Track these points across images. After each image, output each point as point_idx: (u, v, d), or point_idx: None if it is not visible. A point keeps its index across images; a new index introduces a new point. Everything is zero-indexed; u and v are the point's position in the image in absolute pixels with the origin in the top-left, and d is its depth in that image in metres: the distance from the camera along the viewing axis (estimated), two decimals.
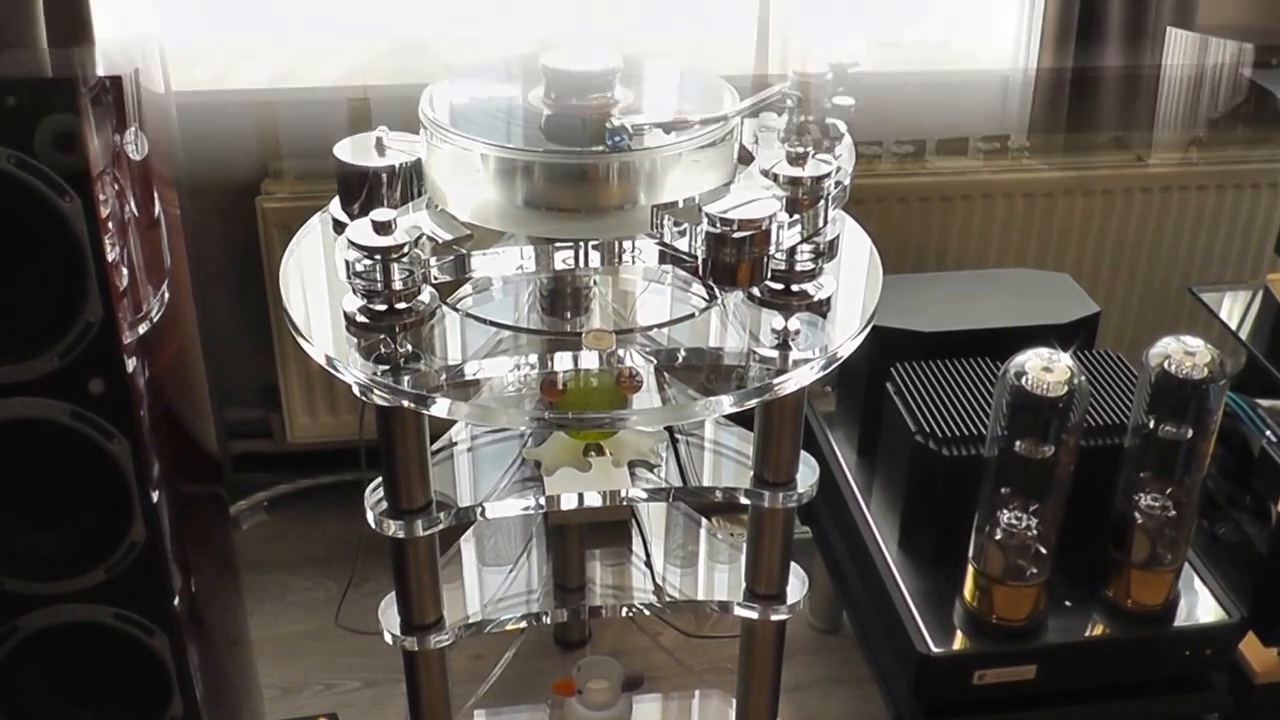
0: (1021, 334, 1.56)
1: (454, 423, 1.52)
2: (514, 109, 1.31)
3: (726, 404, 1.23)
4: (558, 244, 1.23)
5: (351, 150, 1.34)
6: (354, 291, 1.22)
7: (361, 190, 1.33)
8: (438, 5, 2.21)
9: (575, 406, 1.28)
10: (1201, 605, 1.56)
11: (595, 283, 1.39)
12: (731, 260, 1.18)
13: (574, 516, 1.53)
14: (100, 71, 1.29)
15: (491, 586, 1.58)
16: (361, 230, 1.19)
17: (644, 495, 1.45)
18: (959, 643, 1.48)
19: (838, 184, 1.27)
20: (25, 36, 1.99)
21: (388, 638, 1.43)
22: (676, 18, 2.45)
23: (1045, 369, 1.39)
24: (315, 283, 1.36)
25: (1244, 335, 1.87)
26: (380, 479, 1.36)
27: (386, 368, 1.22)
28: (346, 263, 1.20)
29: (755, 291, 1.31)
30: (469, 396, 1.23)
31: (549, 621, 1.60)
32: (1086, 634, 1.51)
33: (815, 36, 2.56)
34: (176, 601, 1.28)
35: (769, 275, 1.24)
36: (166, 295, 1.35)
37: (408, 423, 1.29)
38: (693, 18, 2.48)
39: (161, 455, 1.26)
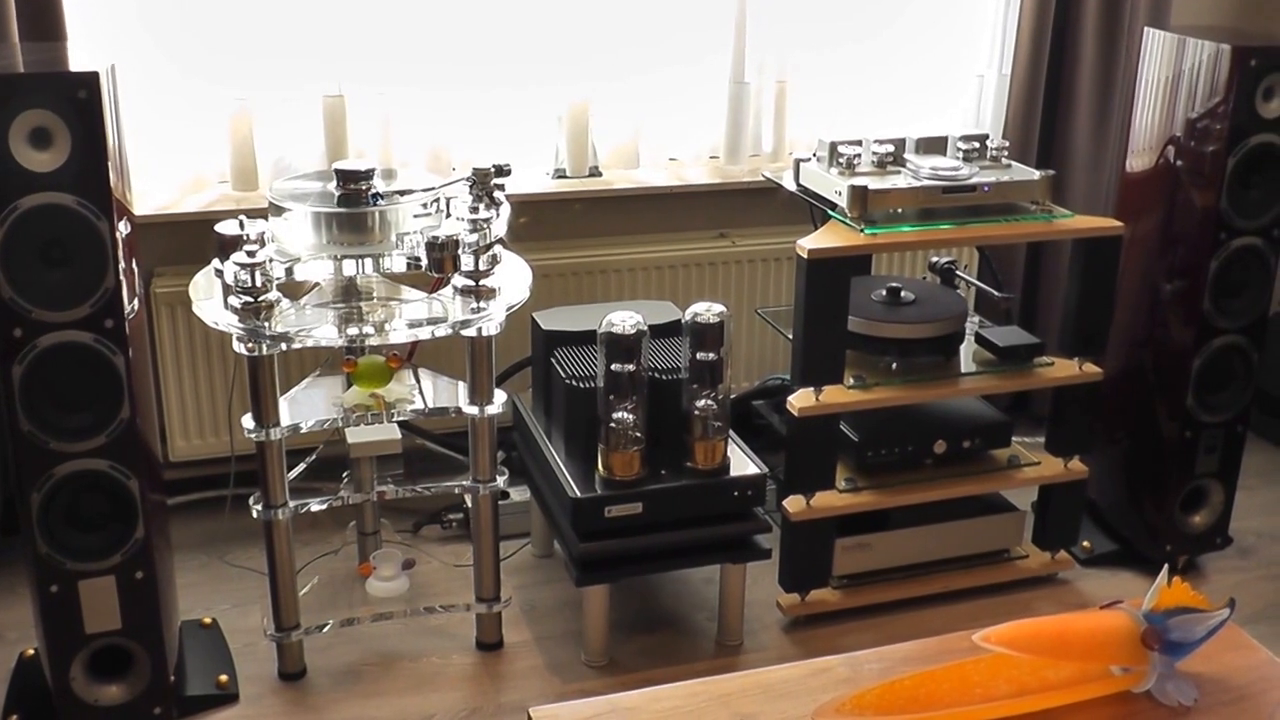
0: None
1: (295, 383, 2.56)
2: (320, 191, 2.39)
3: (443, 331, 2.31)
4: (345, 258, 2.31)
5: (224, 227, 2.38)
6: (235, 292, 2.27)
7: (233, 247, 2.36)
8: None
9: (360, 375, 2.37)
10: (743, 465, 2.62)
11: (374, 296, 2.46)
12: (439, 257, 2.27)
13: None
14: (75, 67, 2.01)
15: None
16: (240, 256, 2.24)
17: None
18: (595, 490, 2.51)
19: (492, 219, 2.39)
20: None
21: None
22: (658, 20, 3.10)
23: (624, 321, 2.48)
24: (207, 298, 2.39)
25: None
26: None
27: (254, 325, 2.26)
28: (232, 275, 2.25)
29: (456, 284, 2.40)
30: (296, 340, 2.28)
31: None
32: (672, 483, 2.55)
33: (790, 43, 3.19)
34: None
35: (463, 270, 2.34)
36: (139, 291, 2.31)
37: (264, 366, 2.32)
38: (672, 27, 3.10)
39: (139, 371, 2.20)
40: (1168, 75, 2.75)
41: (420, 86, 2.97)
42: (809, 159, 2.72)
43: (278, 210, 2.36)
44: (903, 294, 2.81)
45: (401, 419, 2.51)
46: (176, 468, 3.04)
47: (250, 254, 2.24)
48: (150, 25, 2.80)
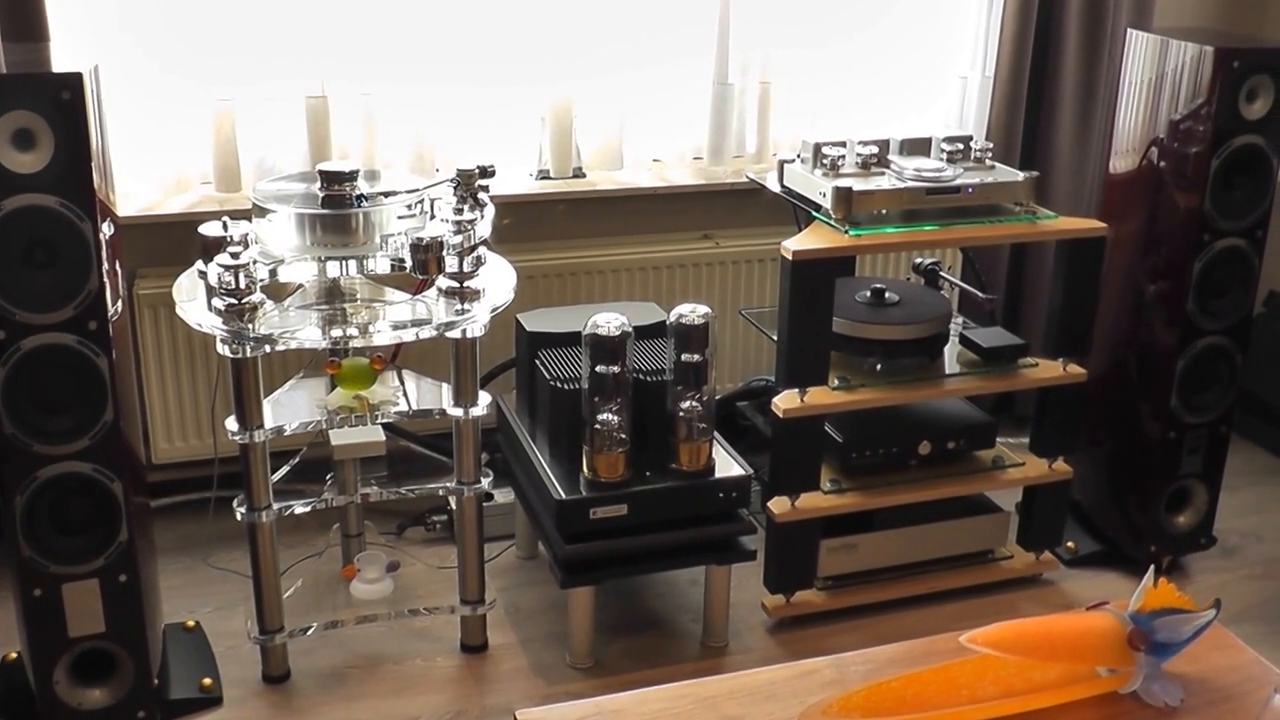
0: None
1: (279, 385, 2.55)
2: (304, 193, 2.39)
3: (428, 332, 2.31)
4: (329, 260, 2.30)
5: (208, 229, 2.37)
6: (219, 294, 2.26)
7: (216, 248, 2.35)
8: None
9: (344, 377, 2.36)
10: (728, 466, 2.62)
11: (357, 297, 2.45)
12: (423, 258, 2.27)
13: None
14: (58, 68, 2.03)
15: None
16: (224, 258, 2.23)
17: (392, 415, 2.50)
18: (580, 492, 2.51)
19: (476, 220, 2.39)
20: None
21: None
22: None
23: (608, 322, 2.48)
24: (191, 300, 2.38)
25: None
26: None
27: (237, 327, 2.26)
28: (215, 276, 2.24)
29: (441, 286, 2.39)
30: (279, 342, 2.27)
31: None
32: (657, 484, 2.55)
33: (774, 44, 3.19)
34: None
35: (447, 271, 2.34)
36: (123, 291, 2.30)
37: (248, 368, 2.31)
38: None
39: (123, 373, 2.18)
40: (1151, 77, 2.76)
41: (404, 86, 2.96)
42: (793, 160, 2.73)
43: (261, 211, 2.36)
44: (887, 295, 2.81)
45: (385, 421, 2.50)
46: (160, 470, 3.02)
47: (234, 256, 2.23)
48: (132, 25, 2.78)
